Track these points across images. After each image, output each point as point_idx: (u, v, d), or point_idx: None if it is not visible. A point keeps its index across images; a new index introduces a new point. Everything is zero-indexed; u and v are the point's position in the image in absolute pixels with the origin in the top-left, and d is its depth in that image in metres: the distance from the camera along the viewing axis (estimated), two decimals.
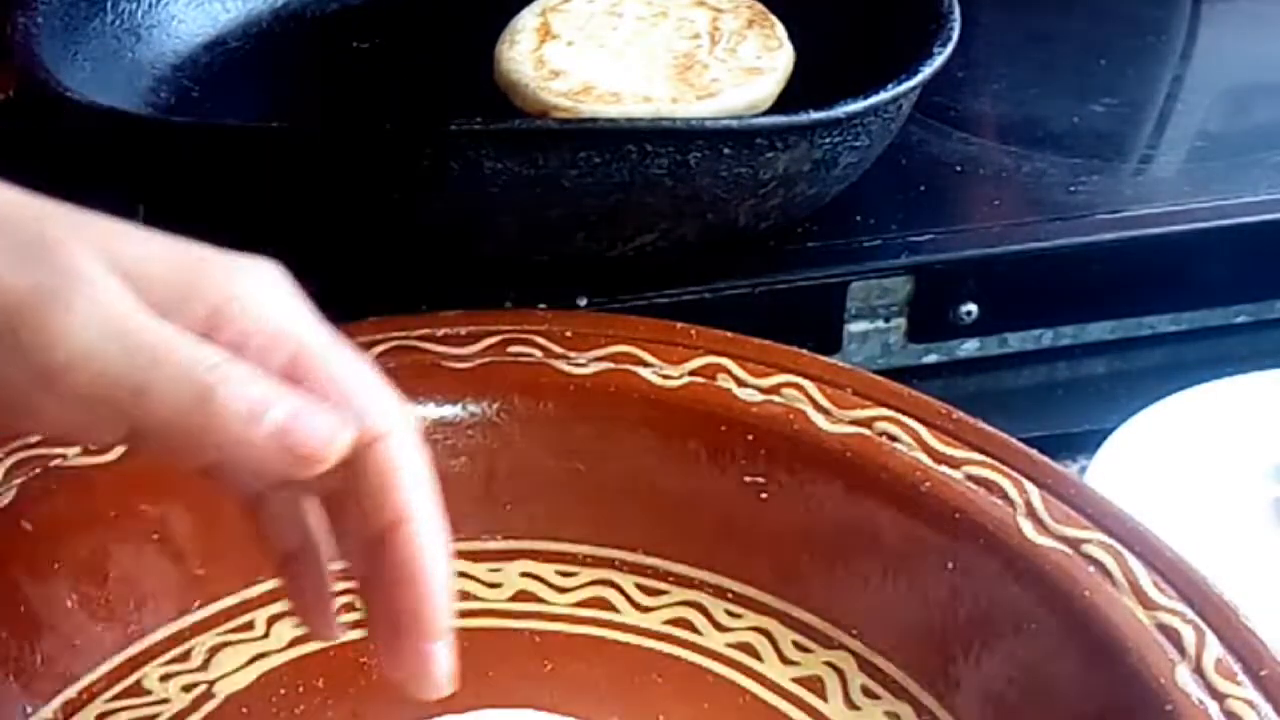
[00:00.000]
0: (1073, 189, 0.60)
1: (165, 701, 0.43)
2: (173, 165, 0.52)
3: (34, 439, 0.45)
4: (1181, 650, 0.39)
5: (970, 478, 0.44)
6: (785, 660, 0.44)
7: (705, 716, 0.43)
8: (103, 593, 0.43)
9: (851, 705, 0.43)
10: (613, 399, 0.47)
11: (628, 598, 0.46)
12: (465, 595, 0.46)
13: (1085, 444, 0.53)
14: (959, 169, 0.62)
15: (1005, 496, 0.43)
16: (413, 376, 0.47)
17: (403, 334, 0.49)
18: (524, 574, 0.46)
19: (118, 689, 0.43)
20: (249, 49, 0.65)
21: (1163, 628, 0.40)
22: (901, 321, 0.58)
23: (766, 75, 0.61)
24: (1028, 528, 0.43)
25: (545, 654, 0.44)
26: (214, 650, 0.44)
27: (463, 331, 0.49)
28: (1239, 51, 0.74)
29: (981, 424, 0.46)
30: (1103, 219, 0.59)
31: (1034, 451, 0.45)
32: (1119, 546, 0.42)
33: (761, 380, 0.47)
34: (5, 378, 0.31)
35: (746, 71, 0.61)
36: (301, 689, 0.43)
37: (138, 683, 0.43)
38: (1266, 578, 0.48)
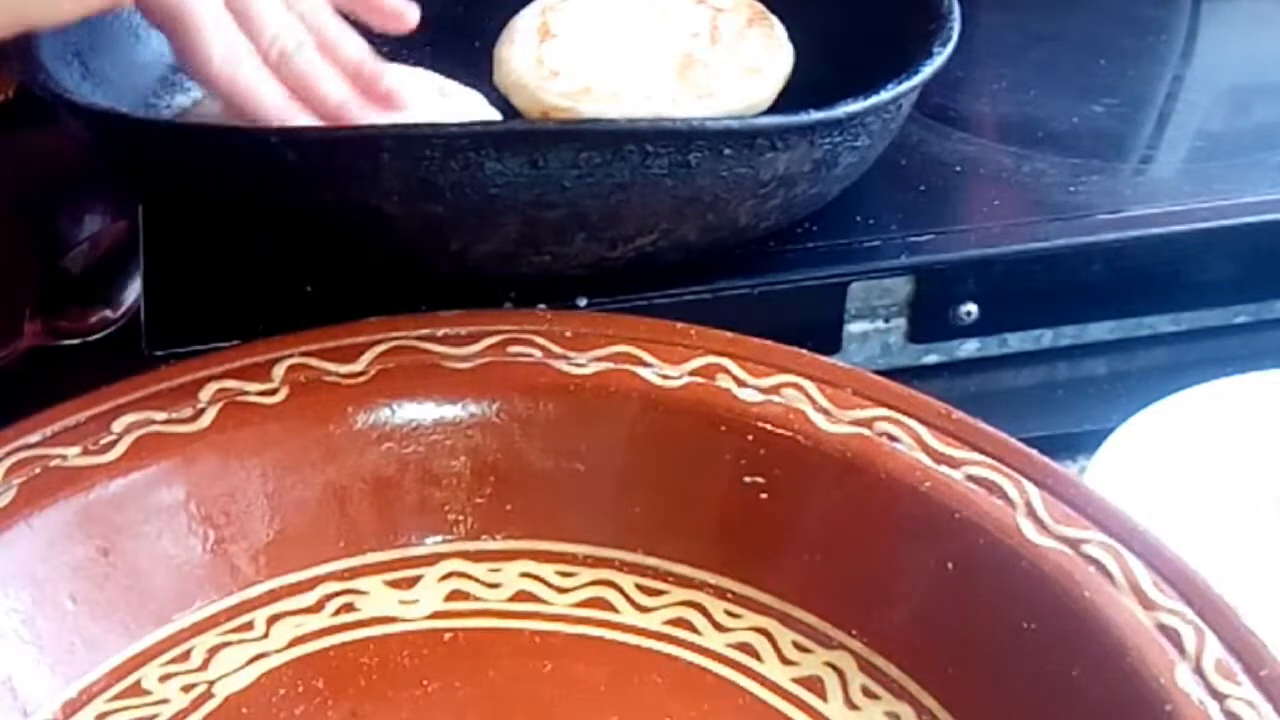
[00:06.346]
0: (1073, 189, 0.60)
1: (165, 701, 0.43)
2: (173, 166, 0.52)
3: (34, 439, 0.45)
4: (1181, 650, 0.39)
5: (970, 478, 0.44)
6: (785, 660, 0.44)
7: (705, 717, 0.43)
8: (102, 593, 0.43)
9: (852, 705, 0.43)
10: (613, 399, 0.47)
11: (628, 598, 0.46)
12: (465, 595, 0.46)
13: (1085, 444, 0.53)
14: (959, 169, 0.62)
15: (1005, 497, 0.43)
16: (413, 376, 0.48)
17: (403, 334, 0.49)
18: (524, 574, 0.46)
19: (117, 689, 0.43)
20: None
21: (1163, 628, 0.40)
22: (901, 322, 0.58)
23: (766, 75, 0.61)
24: (1028, 528, 0.43)
25: (545, 654, 0.44)
26: (214, 650, 0.44)
27: (463, 331, 0.49)
28: (1240, 51, 0.74)
29: (981, 424, 0.46)
30: (1103, 219, 0.59)
31: (1034, 452, 0.45)
32: (1119, 546, 0.42)
33: (761, 380, 0.47)
34: None
35: (746, 71, 0.60)
36: (301, 689, 0.43)
37: (137, 683, 0.43)
38: (1267, 578, 0.48)
